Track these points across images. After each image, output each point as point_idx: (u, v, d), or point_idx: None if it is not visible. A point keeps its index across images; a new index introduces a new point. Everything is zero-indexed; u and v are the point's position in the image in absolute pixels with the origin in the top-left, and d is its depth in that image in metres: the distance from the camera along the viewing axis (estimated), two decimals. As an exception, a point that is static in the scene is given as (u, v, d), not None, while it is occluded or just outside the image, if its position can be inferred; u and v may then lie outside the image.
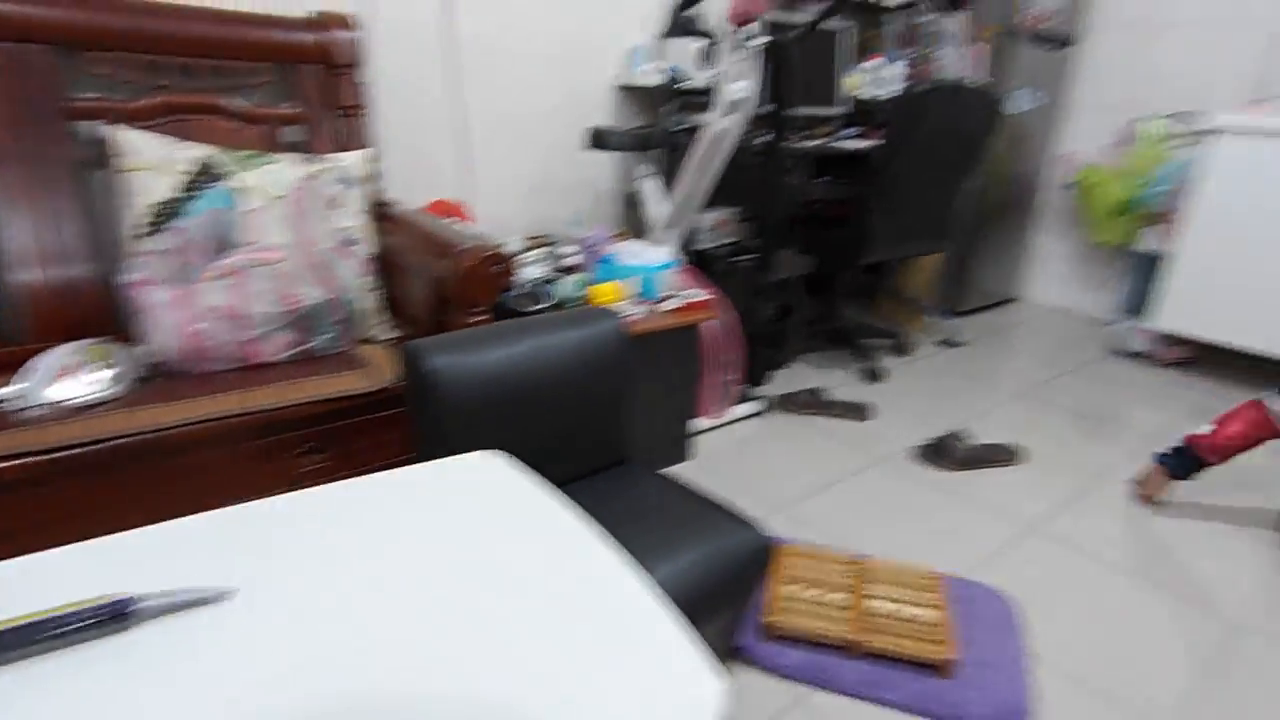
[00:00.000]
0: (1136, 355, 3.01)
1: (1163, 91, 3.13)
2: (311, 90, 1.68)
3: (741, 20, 1.65)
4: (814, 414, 2.34)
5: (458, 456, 0.76)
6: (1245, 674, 1.40)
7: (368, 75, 1.78)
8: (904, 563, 1.58)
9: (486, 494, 0.70)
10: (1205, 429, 1.84)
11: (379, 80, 1.95)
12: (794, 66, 2.09)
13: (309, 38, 1.66)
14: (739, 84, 1.82)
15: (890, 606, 1.43)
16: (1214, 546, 1.79)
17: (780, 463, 2.07)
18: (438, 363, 1.03)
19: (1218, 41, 2.98)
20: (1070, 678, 1.36)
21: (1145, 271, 3.05)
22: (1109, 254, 3.36)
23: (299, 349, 1.41)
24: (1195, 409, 2.54)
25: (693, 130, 2.09)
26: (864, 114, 2.88)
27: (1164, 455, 1.91)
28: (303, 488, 0.68)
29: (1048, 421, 2.41)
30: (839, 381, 2.61)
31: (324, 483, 0.69)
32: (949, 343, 3.05)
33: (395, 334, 1.59)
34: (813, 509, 1.85)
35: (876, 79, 2.95)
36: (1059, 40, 3.17)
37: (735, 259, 2.12)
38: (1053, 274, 3.63)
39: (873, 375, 2.64)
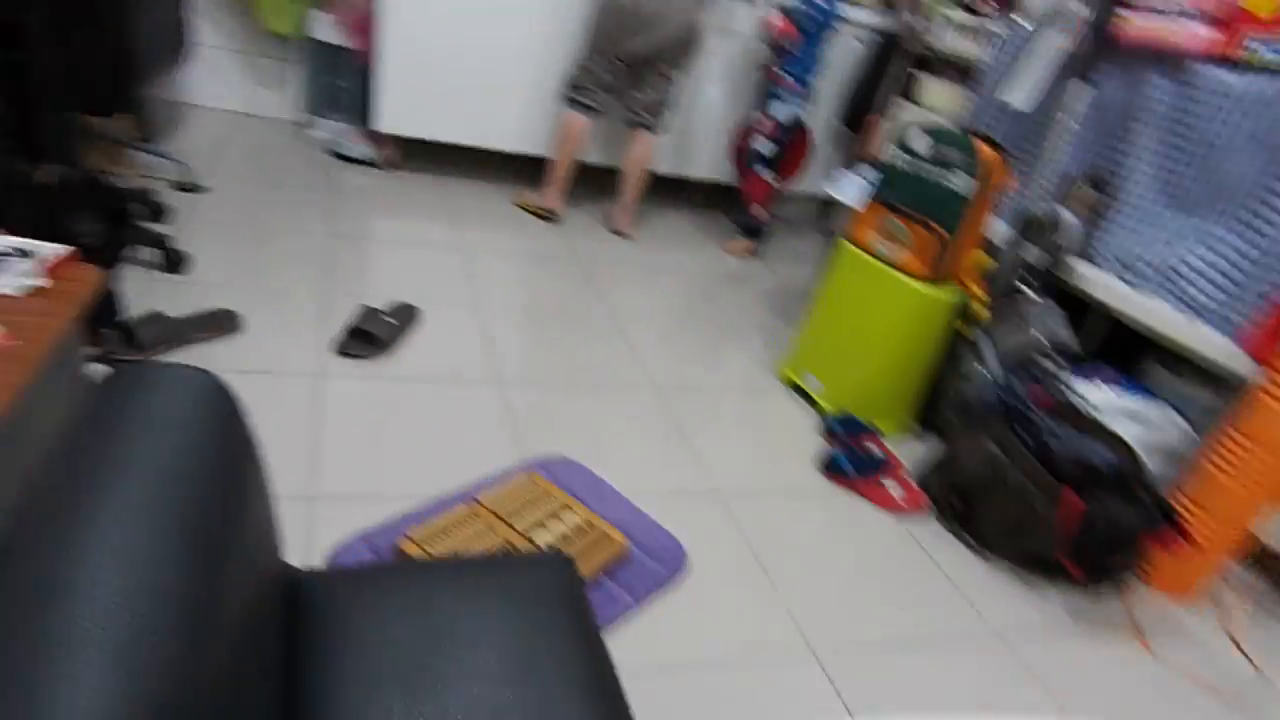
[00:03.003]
0: (353, 160, 3.01)
1: None
2: None
3: None
4: (178, 347, 1.66)
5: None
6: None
7: None
8: (507, 485, 1.48)
9: None
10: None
11: None
12: None
13: None
14: None
15: (558, 528, 1.39)
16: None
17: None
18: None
19: None
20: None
21: (324, 63, 2.97)
22: (280, 45, 3.09)
23: None
24: (446, 210, 2.84)
25: None
26: None
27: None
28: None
29: (352, 245, 2.36)
30: (142, 279, 1.86)
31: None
32: (185, 187, 2.42)
33: None
34: (331, 472, 1.46)
35: None
36: None
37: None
38: (220, 71, 3.11)
39: (172, 261, 1.95)
